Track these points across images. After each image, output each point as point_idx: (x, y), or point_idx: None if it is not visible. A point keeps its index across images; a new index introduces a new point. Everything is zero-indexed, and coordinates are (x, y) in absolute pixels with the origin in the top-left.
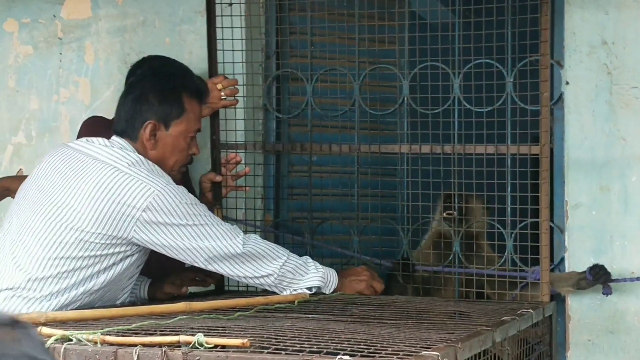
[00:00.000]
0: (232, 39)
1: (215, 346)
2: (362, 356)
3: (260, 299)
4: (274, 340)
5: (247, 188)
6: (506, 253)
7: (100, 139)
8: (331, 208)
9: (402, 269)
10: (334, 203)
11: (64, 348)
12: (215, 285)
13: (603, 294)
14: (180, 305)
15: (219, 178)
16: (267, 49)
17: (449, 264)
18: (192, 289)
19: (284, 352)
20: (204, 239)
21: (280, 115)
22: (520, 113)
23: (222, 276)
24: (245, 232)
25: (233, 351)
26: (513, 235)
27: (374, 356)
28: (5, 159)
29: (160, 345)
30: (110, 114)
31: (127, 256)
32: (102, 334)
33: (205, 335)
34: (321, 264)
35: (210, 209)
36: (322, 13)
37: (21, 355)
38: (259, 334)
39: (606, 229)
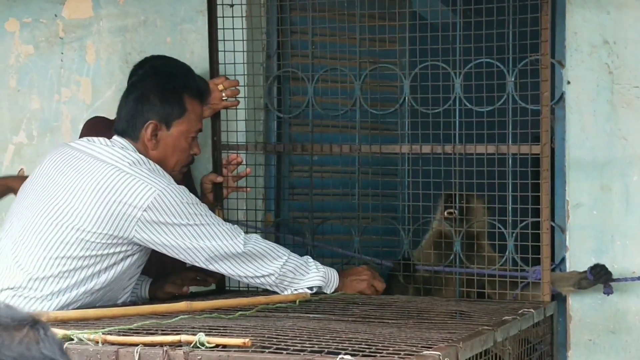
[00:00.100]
0: (234, 40)
1: (217, 346)
2: (363, 356)
3: (261, 299)
4: (275, 339)
5: (248, 189)
6: (507, 253)
7: (101, 138)
8: (332, 208)
9: (402, 269)
10: (335, 203)
11: (66, 347)
12: (216, 284)
13: (604, 293)
14: (182, 305)
15: (220, 179)
16: (268, 49)
17: (450, 264)
18: (193, 289)
19: (285, 352)
20: (204, 239)
21: (281, 114)
22: (521, 113)
23: (223, 276)
24: (247, 232)
25: (234, 351)
26: (514, 235)
27: (375, 356)
28: (7, 159)
29: (161, 344)
30: (111, 114)
31: (128, 256)
32: (103, 334)
33: (206, 335)
34: (322, 263)
35: (212, 209)
36: (323, 13)
37: (42, 357)
38: (260, 333)
39: (607, 228)
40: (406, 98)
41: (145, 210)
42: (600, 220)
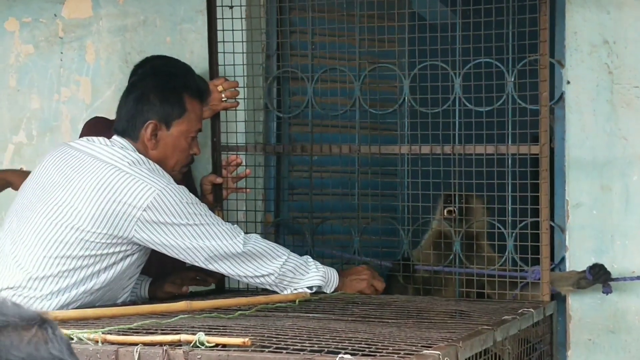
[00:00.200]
0: (233, 42)
1: (216, 345)
2: (362, 355)
3: (261, 298)
4: (274, 339)
5: (247, 190)
6: (507, 253)
7: (101, 138)
8: (332, 208)
9: (402, 269)
10: (335, 203)
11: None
12: (216, 284)
13: (603, 292)
14: (181, 305)
15: (219, 180)
16: (268, 49)
17: (449, 264)
18: (193, 288)
19: (284, 351)
20: (204, 239)
21: (281, 114)
22: (521, 113)
23: (222, 275)
24: (246, 232)
25: (234, 350)
26: (513, 235)
27: (374, 355)
28: (7, 158)
29: (161, 344)
30: (111, 114)
31: (128, 255)
32: (103, 333)
33: (206, 334)
34: (322, 263)
35: (211, 210)
36: (323, 14)
37: (51, 357)
38: (260, 333)
39: (607, 228)
40: (406, 98)
41: (144, 210)
42: (600, 220)
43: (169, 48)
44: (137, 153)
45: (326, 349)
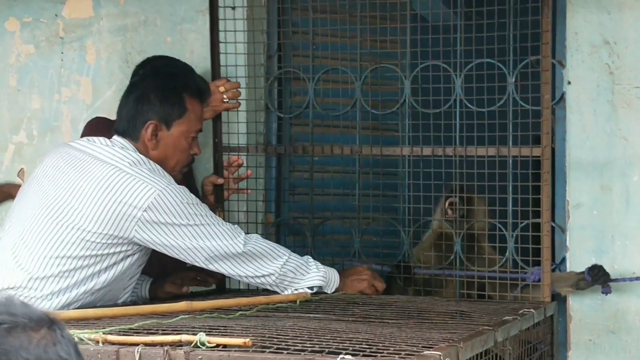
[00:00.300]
0: (235, 43)
1: (217, 345)
2: (363, 356)
3: (261, 299)
4: (275, 339)
5: (249, 191)
6: (507, 254)
7: (101, 138)
8: (332, 208)
9: (401, 272)
10: (335, 203)
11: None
12: (217, 284)
13: (602, 292)
14: (182, 305)
15: (220, 181)
16: (269, 49)
17: (450, 266)
18: (194, 289)
19: (285, 352)
20: (204, 239)
21: (282, 115)
22: (522, 114)
23: (223, 276)
24: (247, 232)
25: (235, 350)
26: (514, 236)
27: (375, 356)
28: (7, 159)
29: (162, 344)
30: (111, 114)
31: (128, 256)
32: (104, 333)
33: (207, 335)
34: (322, 263)
35: (212, 211)
36: (324, 14)
37: (59, 359)
38: (261, 333)
39: (607, 228)
40: (407, 99)
41: (145, 210)
42: (601, 220)
43: (169, 48)
44: (138, 153)
45: (327, 350)
